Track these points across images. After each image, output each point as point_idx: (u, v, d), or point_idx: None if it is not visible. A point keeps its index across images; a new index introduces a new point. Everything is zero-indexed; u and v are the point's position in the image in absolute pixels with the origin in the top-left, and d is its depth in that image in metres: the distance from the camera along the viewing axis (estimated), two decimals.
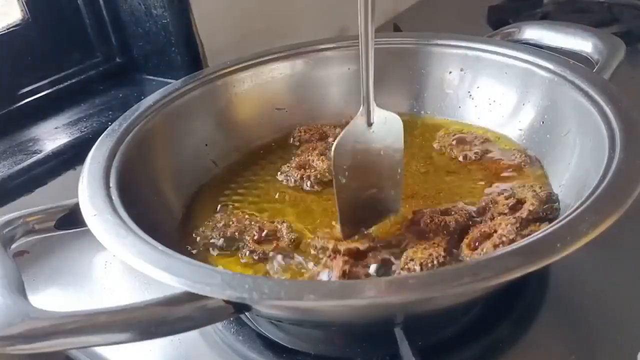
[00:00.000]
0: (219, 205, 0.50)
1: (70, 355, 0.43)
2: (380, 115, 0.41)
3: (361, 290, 0.30)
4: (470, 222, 0.43)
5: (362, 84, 0.39)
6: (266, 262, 0.43)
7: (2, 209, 0.51)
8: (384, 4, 0.96)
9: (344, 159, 0.41)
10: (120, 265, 0.49)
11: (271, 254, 0.43)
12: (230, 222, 0.46)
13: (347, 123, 0.56)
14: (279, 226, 0.45)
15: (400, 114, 0.59)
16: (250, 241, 0.44)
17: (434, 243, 0.41)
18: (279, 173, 0.53)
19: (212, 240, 0.45)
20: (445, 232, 0.42)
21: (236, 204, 0.50)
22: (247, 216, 0.47)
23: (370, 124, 0.41)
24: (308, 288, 0.30)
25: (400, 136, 0.43)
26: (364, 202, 0.43)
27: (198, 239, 0.46)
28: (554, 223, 0.33)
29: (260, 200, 0.50)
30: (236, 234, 0.45)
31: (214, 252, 0.45)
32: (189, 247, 0.46)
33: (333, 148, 0.40)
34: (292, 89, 0.60)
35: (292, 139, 0.57)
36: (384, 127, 0.42)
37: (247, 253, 0.44)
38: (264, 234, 0.45)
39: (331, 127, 0.58)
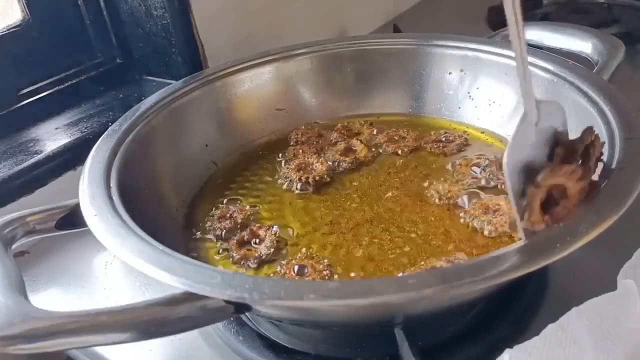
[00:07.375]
0: (219, 205, 0.50)
1: (71, 355, 0.43)
2: (542, 108, 0.36)
3: (361, 290, 0.30)
4: None
5: (520, 80, 0.35)
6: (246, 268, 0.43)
7: (3, 209, 0.51)
8: (384, 4, 0.96)
9: (517, 172, 0.34)
10: (120, 266, 0.49)
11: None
12: (227, 223, 0.47)
13: (347, 124, 0.59)
14: (263, 232, 0.45)
15: (399, 115, 0.60)
16: (235, 245, 0.45)
17: None
18: (278, 174, 0.53)
19: (209, 238, 0.46)
20: None
21: (236, 204, 0.50)
22: (244, 217, 0.48)
23: (536, 123, 0.35)
24: (308, 288, 0.30)
25: (565, 121, 0.37)
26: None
27: (198, 238, 0.46)
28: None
29: (260, 201, 0.50)
30: (230, 233, 0.46)
31: (214, 252, 0.45)
32: (189, 247, 0.46)
33: (504, 164, 0.33)
34: (292, 89, 0.60)
35: (289, 141, 0.57)
36: (549, 118, 0.36)
37: (232, 258, 0.44)
38: (246, 238, 0.45)
39: (329, 129, 0.58)
